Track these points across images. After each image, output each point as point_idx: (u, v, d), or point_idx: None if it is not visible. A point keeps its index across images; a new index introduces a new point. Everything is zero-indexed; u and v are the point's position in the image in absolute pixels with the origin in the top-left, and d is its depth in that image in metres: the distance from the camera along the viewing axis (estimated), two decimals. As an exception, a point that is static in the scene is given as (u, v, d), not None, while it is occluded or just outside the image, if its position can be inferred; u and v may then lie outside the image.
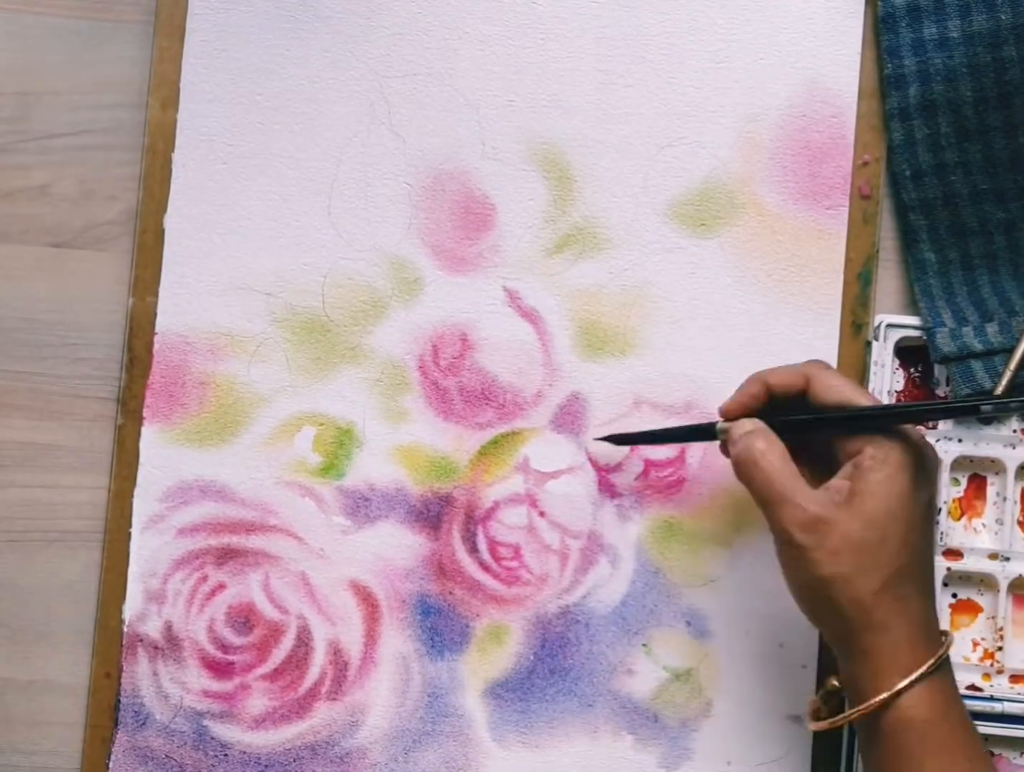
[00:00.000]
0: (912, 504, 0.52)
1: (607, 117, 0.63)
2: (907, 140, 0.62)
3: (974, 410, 0.57)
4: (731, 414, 0.56)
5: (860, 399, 0.54)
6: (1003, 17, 0.60)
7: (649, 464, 0.62)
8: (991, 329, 0.61)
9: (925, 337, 0.62)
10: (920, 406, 0.60)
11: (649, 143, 0.63)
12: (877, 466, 0.52)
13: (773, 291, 0.63)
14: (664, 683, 0.62)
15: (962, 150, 0.62)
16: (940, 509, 0.62)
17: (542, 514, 0.62)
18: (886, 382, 0.62)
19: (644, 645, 0.62)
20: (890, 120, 0.62)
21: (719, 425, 0.57)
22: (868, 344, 0.62)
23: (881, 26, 0.62)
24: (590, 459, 0.62)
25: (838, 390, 0.55)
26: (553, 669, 0.62)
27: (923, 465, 0.54)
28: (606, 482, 0.62)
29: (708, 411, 0.62)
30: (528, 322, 0.63)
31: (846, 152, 0.63)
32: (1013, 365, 0.61)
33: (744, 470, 0.54)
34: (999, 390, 0.60)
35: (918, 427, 0.59)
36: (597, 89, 0.63)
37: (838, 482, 0.53)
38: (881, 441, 0.53)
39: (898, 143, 0.62)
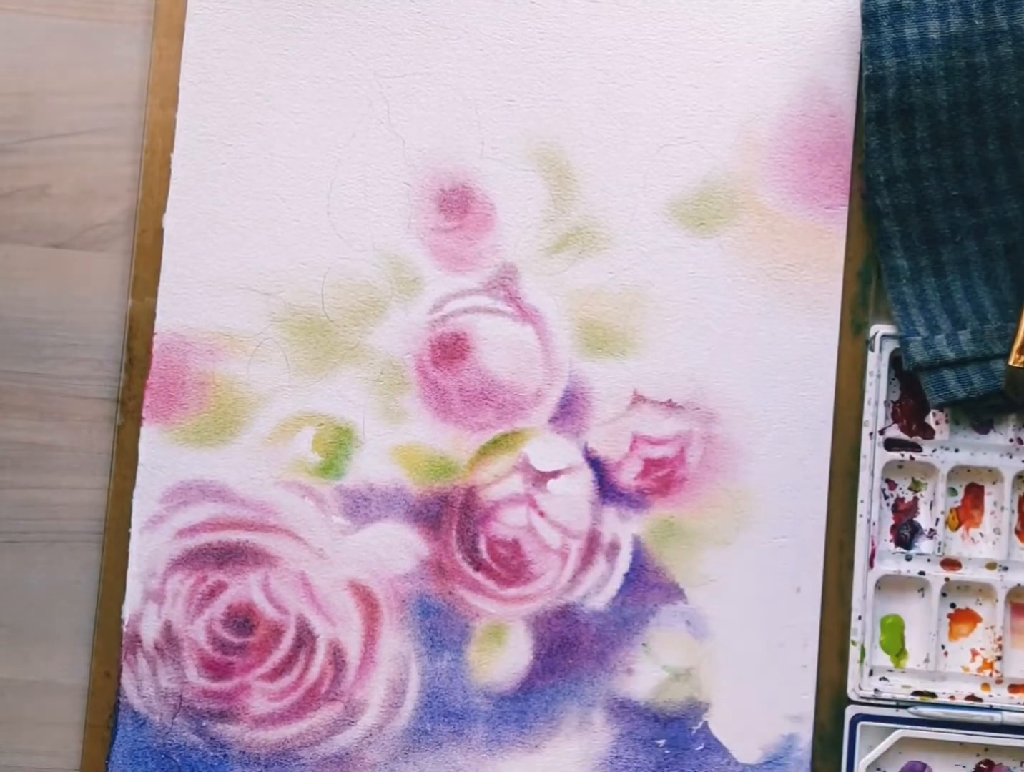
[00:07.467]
0: None
1: (607, 117, 0.63)
2: (883, 145, 0.61)
3: None
4: None
5: None
6: (976, 22, 0.59)
7: (649, 463, 0.62)
8: (964, 337, 0.60)
9: (899, 346, 0.61)
10: None
11: (648, 143, 0.63)
12: None
13: (773, 290, 0.63)
14: (664, 682, 0.62)
15: (935, 155, 0.61)
16: (937, 519, 0.61)
17: (542, 514, 0.62)
18: (882, 392, 0.61)
19: (644, 645, 0.62)
20: (867, 123, 0.61)
21: None
22: (867, 342, 0.62)
23: (863, 26, 0.61)
24: (589, 458, 0.62)
25: None
26: (553, 669, 0.62)
27: None
28: (606, 481, 0.62)
29: (708, 410, 0.62)
30: (528, 322, 0.63)
31: (845, 151, 0.63)
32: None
33: None
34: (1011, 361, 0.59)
35: (914, 437, 0.59)
36: (597, 89, 0.63)
37: None
38: None
39: (874, 148, 0.61)
